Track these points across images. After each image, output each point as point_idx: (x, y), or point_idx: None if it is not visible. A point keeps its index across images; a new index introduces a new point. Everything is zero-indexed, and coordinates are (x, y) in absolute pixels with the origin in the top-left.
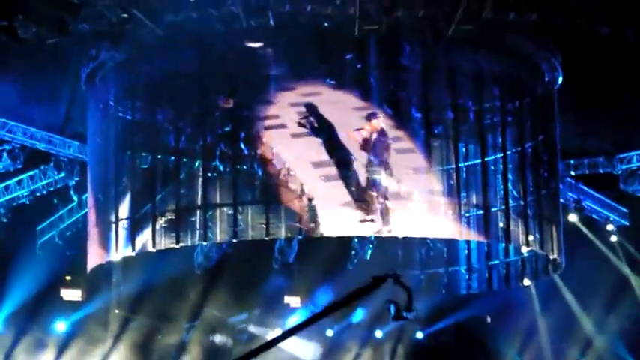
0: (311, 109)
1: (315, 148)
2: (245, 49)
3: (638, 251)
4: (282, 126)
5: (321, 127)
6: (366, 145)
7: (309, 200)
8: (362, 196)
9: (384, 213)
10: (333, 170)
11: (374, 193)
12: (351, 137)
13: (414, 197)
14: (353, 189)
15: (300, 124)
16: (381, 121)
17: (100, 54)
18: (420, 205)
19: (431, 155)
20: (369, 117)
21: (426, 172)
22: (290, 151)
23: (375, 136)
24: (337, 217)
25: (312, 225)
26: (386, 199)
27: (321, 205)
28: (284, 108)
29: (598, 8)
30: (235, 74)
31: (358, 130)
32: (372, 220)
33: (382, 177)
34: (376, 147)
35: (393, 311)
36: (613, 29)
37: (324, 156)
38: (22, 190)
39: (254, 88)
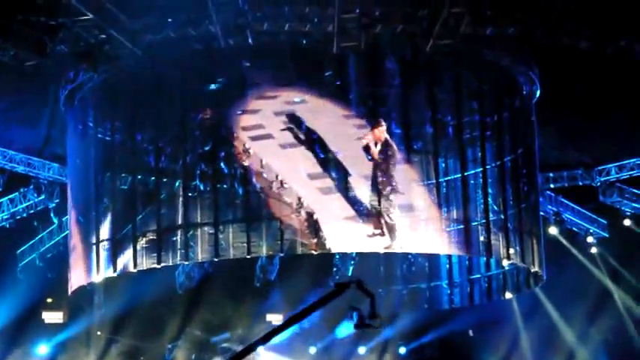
0: (293, 120)
1: (309, 159)
2: (223, 60)
3: (619, 262)
4: (269, 136)
5: (308, 138)
6: (368, 155)
7: (310, 215)
8: (367, 210)
9: (391, 228)
10: (331, 182)
11: (380, 207)
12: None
13: (417, 210)
14: (355, 202)
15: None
16: (385, 131)
17: (78, 75)
18: (420, 219)
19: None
20: (372, 125)
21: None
22: (281, 162)
23: (379, 146)
24: (342, 232)
25: (315, 240)
26: (390, 212)
27: (323, 219)
28: (268, 117)
29: (577, 22)
30: (213, 85)
31: (359, 138)
32: (380, 234)
33: (387, 190)
34: (381, 158)
35: (355, 318)
36: (592, 43)
37: (320, 167)
38: (2, 214)
39: (232, 97)
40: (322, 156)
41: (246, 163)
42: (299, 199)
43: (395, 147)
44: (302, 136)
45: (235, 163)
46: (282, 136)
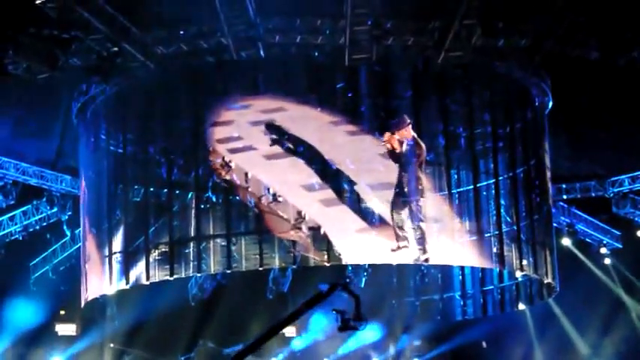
0: (274, 129)
1: (303, 170)
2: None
3: (632, 273)
4: (250, 148)
5: (296, 148)
6: (395, 159)
7: (316, 229)
8: (381, 221)
9: (422, 236)
10: (333, 193)
11: (404, 217)
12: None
13: (431, 221)
14: (366, 213)
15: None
16: (411, 128)
17: (90, 88)
18: (434, 231)
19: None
20: (396, 126)
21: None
22: (270, 174)
23: (404, 146)
24: (356, 246)
25: (326, 255)
26: (421, 221)
27: (332, 233)
28: (245, 128)
29: (587, 33)
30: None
31: (382, 142)
32: (406, 247)
33: (414, 197)
34: (407, 159)
35: (338, 321)
36: (603, 54)
37: (317, 178)
38: (15, 226)
39: (204, 107)
40: (318, 166)
41: (227, 178)
42: (299, 213)
43: (423, 146)
44: (289, 146)
45: (215, 177)
46: (265, 147)
